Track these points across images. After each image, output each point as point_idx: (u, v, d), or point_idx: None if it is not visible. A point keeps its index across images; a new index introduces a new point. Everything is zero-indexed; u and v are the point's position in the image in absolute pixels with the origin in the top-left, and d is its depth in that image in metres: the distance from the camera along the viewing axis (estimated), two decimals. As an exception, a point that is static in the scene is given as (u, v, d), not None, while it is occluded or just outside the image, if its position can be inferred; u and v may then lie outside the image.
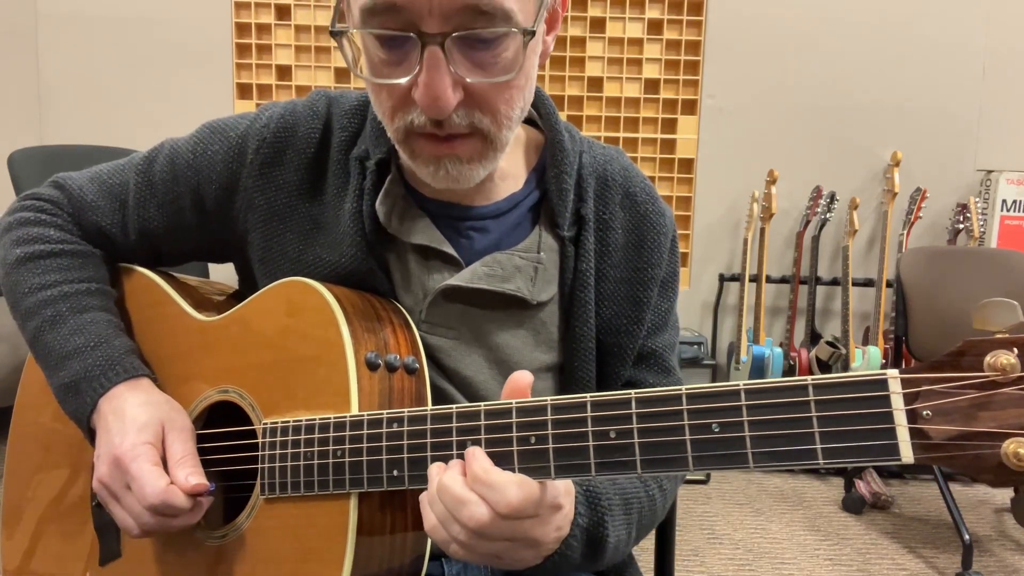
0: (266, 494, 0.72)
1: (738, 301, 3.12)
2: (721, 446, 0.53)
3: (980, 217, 3.03)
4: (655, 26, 3.17)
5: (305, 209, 0.82)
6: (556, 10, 0.75)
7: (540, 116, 0.85)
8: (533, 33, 0.65)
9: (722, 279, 3.26)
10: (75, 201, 0.88)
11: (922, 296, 2.50)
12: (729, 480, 2.87)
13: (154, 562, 0.80)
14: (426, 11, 0.62)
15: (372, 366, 0.70)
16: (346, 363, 0.70)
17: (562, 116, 0.93)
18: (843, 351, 2.90)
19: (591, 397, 0.58)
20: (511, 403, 0.61)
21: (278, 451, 0.72)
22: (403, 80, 0.66)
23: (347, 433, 0.68)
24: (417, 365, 0.74)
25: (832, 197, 3.09)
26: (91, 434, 0.79)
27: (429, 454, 0.64)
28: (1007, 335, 0.47)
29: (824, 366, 2.96)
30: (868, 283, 3.15)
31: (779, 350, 3.01)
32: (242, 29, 3.18)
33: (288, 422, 0.72)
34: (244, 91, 3.21)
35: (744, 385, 0.52)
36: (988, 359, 0.46)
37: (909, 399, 0.48)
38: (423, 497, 0.63)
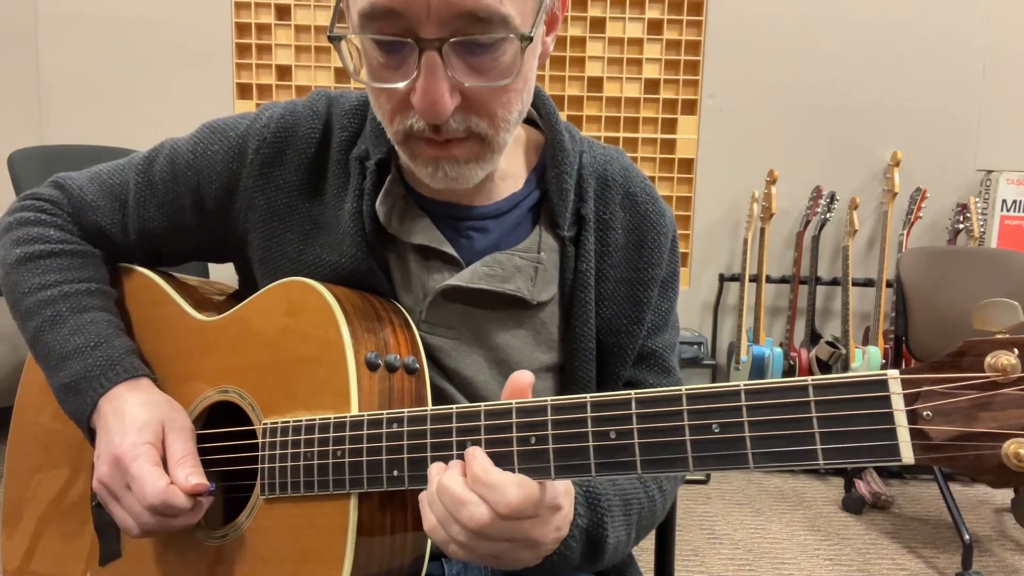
0: (266, 494, 0.72)
1: (738, 301, 3.12)
2: (721, 446, 0.53)
3: (980, 217, 3.03)
4: (655, 26, 3.17)
5: (305, 209, 0.82)
6: (555, 12, 0.75)
7: (540, 116, 0.85)
8: (530, 39, 0.65)
9: (722, 279, 3.26)
10: (75, 201, 0.88)
11: (922, 296, 2.50)
12: (729, 480, 2.87)
13: (154, 562, 0.80)
14: (424, 16, 0.62)
15: (372, 366, 0.70)
16: (346, 363, 0.70)
17: (562, 116, 0.93)
18: (843, 351, 2.90)
19: (591, 397, 0.58)
20: (511, 403, 0.61)
21: (278, 451, 0.72)
22: (401, 85, 0.66)
23: (347, 433, 0.68)
24: (417, 365, 0.74)
25: (832, 197, 3.09)
26: (91, 434, 0.79)
27: (429, 454, 0.63)
28: (1007, 335, 0.47)
29: (824, 366, 2.96)
30: (868, 283, 3.15)
31: (779, 350, 3.01)
32: (242, 29, 3.18)
33: (288, 422, 0.72)
34: (244, 91, 3.21)
35: (744, 385, 0.52)
36: (988, 359, 0.46)
37: (909, 399, 0.48)
38: (422, 497, 0.63)
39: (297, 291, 0.76)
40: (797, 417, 0.51)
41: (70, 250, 0.86)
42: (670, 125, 3.22)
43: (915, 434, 0.48)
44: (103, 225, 0.87)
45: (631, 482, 0.77)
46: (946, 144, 3.18)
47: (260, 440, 0.74)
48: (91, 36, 3.14)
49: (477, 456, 0.60)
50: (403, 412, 0.65)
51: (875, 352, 2.88)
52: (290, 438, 0.71)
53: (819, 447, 0.50)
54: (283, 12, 3.17)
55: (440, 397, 0.79)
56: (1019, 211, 3.08)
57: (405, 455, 0.65)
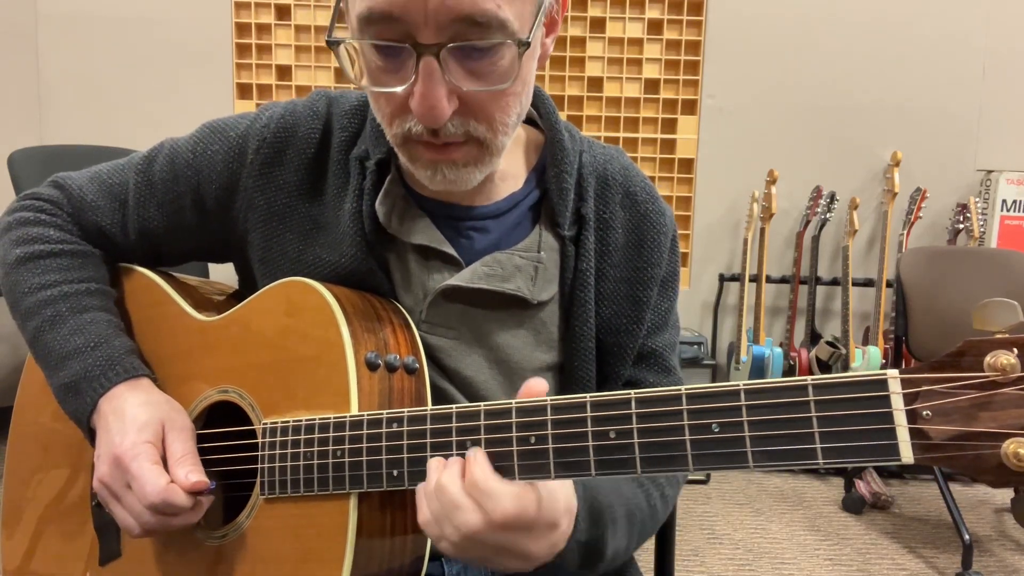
0: (266, 494, 0.72)
1: (738, 301, 3.12)
2: (721, 446, 0.53)
3: (980, 217, 3.03)
4: (655, 26, 3.17)
5: (305, 209, 0.82)
6: (554, 15, 0.74)
7: (540, 116, 0.85)
8: (528, 44, 0.65)
9: (722, 279, 3.26)
10: (75, 201, 0.88)
11: (922, 296, 2.50)
12: (729, 480, 2.87)
13: (154, 562, 0.80)
14: (421, 21, 0.62)
15: (372, 366, 0.70)
16: (346, 363, 0.70)
17: (562, 116, 0.93)
18: (843, 351, 2.90)
19: (591, 397, 0.58)
20: (511, 403, 0.61)
21: (278, 451, 0.72)
22: (399, 89, 0.66)
23: (347, 433, 0.68)
24: (417, 365, 0.74)
25: (832, 197, 3.09)
26: (91, 434, 0.79)
27: (429, 454, 0.63)
28: (1007, 335, 0.47)
29: (824, 366, 2.96)
30: (868, 283, 3.15)
31: (779, 350, 3.01)
32: (242, 29, 3.18)
33: (288, 422, 0.72)
34: (244, 91, 3.21)
35: (744, 385, 0.52)
36: (988, 359, 0.46)
37: (909, 399, 0.48)
38: (420, 489, 0.63)
39: (297, 291, 0.76)
40: (797, 417, 0.51)
41: (70, 250, 0.86)
42: (670, 125, 3.22)
43: (915, 434, 0.48)
44: (103, 225, 0.87)
45: (634, 491, 0.77)
46: (946, 144, 3.17)
47: (260, 440, 0.74)
48: (91, 36, 3.14)
49: (478, 460, 0.60)
50: (403, 412, 0.65)
51: (875, 352, 2.88)
52: (290, 438, 0.71)
53: (819, 446, 0.50)
54: (283, 12, 3.17)
55: (440, 397, 0.79)
56: (1019, 211, 3.08)
57: (405, 455, 0.65)
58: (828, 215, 3.09)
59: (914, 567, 2.25)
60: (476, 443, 0.62)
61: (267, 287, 0.79)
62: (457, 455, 0.62)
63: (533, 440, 0.59)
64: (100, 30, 3.13)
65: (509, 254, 0.79)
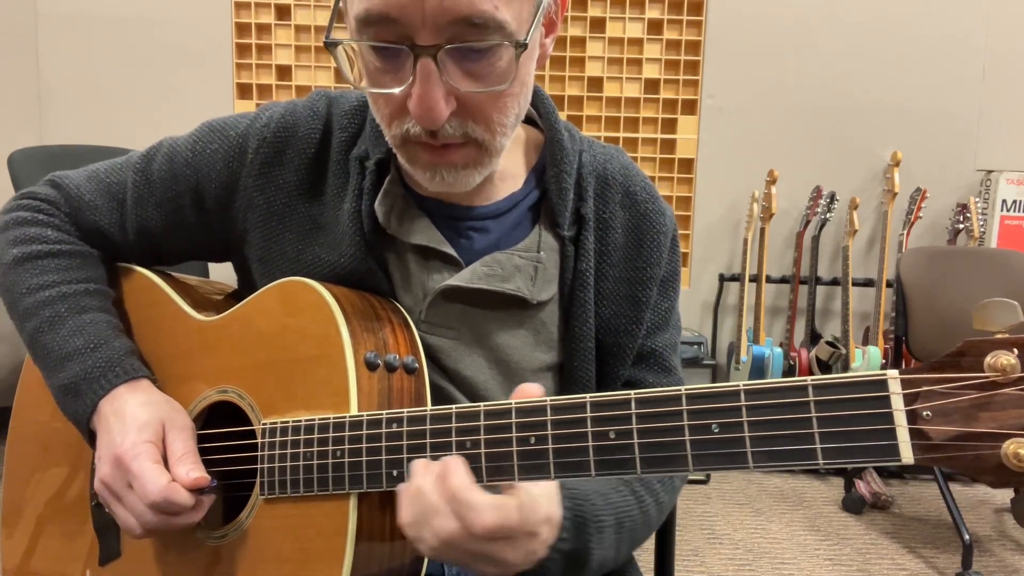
0: (265, 494, 0.72)
1: (738, 301, 3.12)
2: (721, 446, 0.53)
3: (980, 217, 3.03)
4: (655, 26, 3.17)
5: (304, 209, 0.82)
6: (553, 15, 0.74)
7: (540, 115, 0.85)
8: (525, 45, 0.65)
9: (722, 279, 3.26)
10: (72, 200, 0.88)
11: (922, 296, 2.50)
12: (729, 480, 2.87)
13: (154, 562, 0.80)
14: (419, 23, 0.62)
15: (371, 366, 0.70)
16: (345, 363, 0.69)
17: (562, 116, 0.93)
18: (843, 351, 2.90)
19: (591, 397, 0.58)
20: (510, 403, 0.61)
21: (277, 451, 0.72)
22: (397, 90, 0.66)
23: (346, 433, 0.68)
24: (416, 365, 0.74)
25: (832, 197, 3.09)
26: (90, 436, 0.79)
27: (428, 455, 0.63)
28: (1007, 335, 0.47)
29: (824, 366, 2.96)
30: (868, 283, 3.15)
31: (779, 350, 3.01)
32: (242, 29, 3.18)
33: (287, 422, 0.72)
34: (244, 91, 3.21)
35: (744, 385, 0.52)
36: (988, 359, 0.46)
37: (909, 400, 0.48)
38: (401, 488, 0.63)
39: (296, 291, 0.76)
40: (797, 417, 0.51)
41: (68, 250, 0.86)
42: (670, 125, 3.22)
43: (915, 434, 0.48)
44: (101, 224, 0.87)
45: (625, 498, 0.76)
46: (946, 144, 3.17)
47: (260, 440, 0.73)
48: (91, 36, 3.13)
49: (456, 471, 0.60)
50: (402, 412, 0.65)
51: (875, 352, 2.88)
52: (289, 438, 0.71)
53: (818, 447, 0.50)
54: (283, 12, 3.17)
55: (440, 397, 0.79)
56: (1019, 211, 3.08)
57: (405, 455, 0.65)
58: (828, 215, 3.09)
59: (914, 567, 2.25)
60: (476, 443, 0.62)
61: (266, 287, 0.79)
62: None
63: (533, 440, 0.59)
64: (100, 30, 3.13)
65: (509, 254, 0.79)
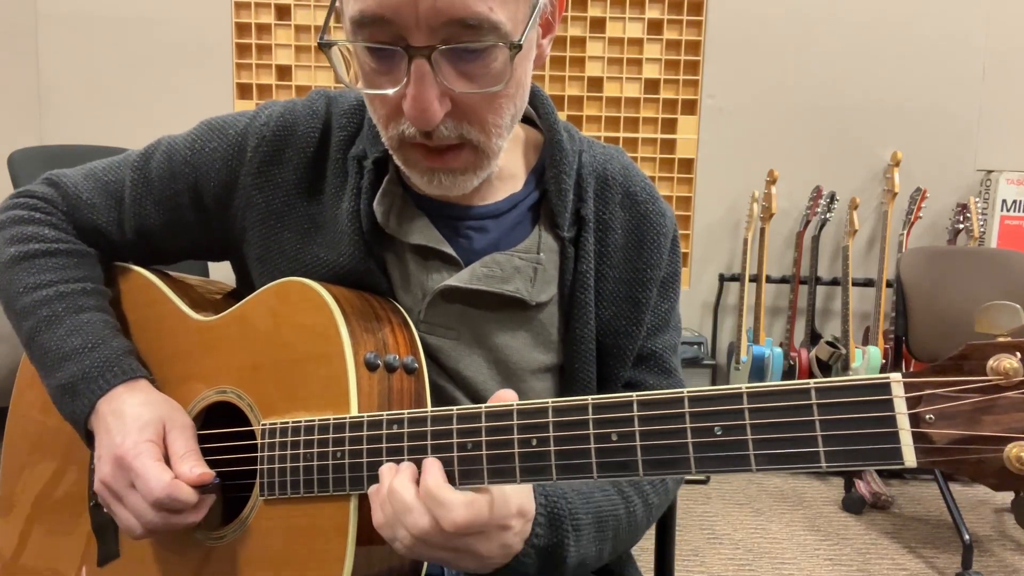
0: (265, 495, 0.72)
1: (738, 301, 3.12)
2: (723, 449, 0.53)
3: (980, 217, 3.03)
4: (655, 26, 3.16)
5: (303, 208, 0.82)
6: (549, 17, 0.74)
7: (539, 116, 0.85)
8: (520, 46, 0.65)
9: (722, 279, 3.26)
10: (70, 199, 0.87)
11: (922, 296, 2.50)
12: (729, 480, 2.87)
13: (153, 563, 0.79)
14: (413, 24, 0.62)
15: (371, 366, 0.70)
16: (345, 363, 0.69)
17: (562, 116, 0.93)
18: (843, 351, 2.90)
19: (592, 399, 0.58)
20: (512, 405, 0.61)
21: (277, 452, 0.72)
22: (391, 91, 0.66)
23: (347, 435, 0.67)
24: (416, 365, 0.74)
25: (832, 197, 3.08)
26: (88, 436, 0.78)
27: (430, 456, 0.63)
28: (1010, 339, 0.47)
29: (824, 366, 2.96)
30: (868, 283, 3.15)
31: (779, 350, 3.01)
32: (242, 29, 3.18)
33: (287, 423, 0.71)
34: (244, 91, 3.20)
35: (747, 388, 0.52)
36: (991, 363, 0.46)
37: (912, 403, 0.48)
38: (372, 492, 0.65)
39: (295, 291, 0.76)
40: (800, 420, 0.51)
41: (65, 249, 0.85)
42: (670, 125, 3.22)
43: (917, 437, 0.47)
44: (99, 223, 0.87)
45: (609, 499, 0.76)
46: (946, 144, 3.17)
47: (259, 441, 0.73)
48: (91, 36, 3.13)
49: (432, 470, 0.62)
50: (403, 413, 0.65)
51: (875, 352, 2.88)
52: (289, 439, 0.71)
53: (821, 450, 0.50)
54: (283, 12, 3.17)
55: (441, 396, 0.79)
56: (1019, 211, 3.08)
57: (406, 456, 0.64)
58: (828, 215, 3.09)
59: (914, 567, 2.25)
60: (477, 445, 0.61)
61: (265, 287, 0.79)
62: (458, 457, 0.62)
63: (534, 442, 0.59)
64: (100, 30, 3.13)
65: (508, 255, 0.79)
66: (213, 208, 0.84)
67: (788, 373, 3.05)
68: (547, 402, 0.59)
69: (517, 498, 0.63)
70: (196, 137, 0.85)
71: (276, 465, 0.71)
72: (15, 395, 0.94)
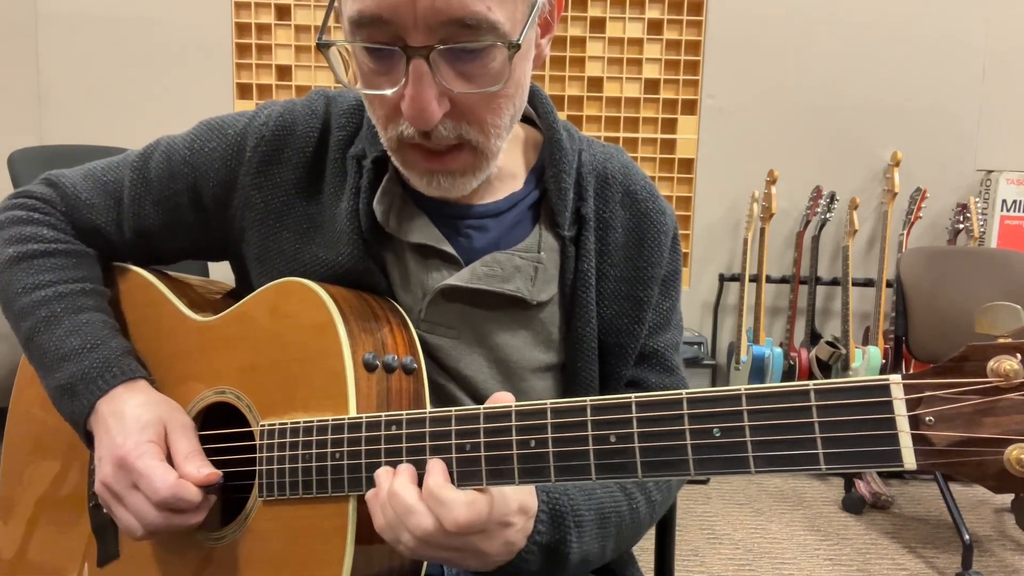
0: (264, 496, 0.72)
1: (738, 301, 3.12)
2: (722, 451, 0.53)
3: (980, 217, 3.03)
4: (655, 26, 3.16)
5: (303, 208, 0.82)
6: (548, 16, 0.74)
7: (538, 115, 0.85)
8: (519, 46, 0.65)
9: (722, 279, 3.26)
10: (69, 199, 0.87)
11: (922, 296, 2.50)
12: (729, 480, 2.87)
13: (152, 563, 0.79)
14: (411, 24, 0.62)
15: (370, 367, 0.70)
16: (343, 364, 0.69)
17: (562, 116, 0.93)
18: (843, 351, 2.90)
19: (591, 401, 0.58)
20: (510, 406, 0.61)
21: (276, 453, 0.71)
22: (390, 91, 0.66)
23: (345, 435, 0.67)
24: (415, 365, 0.74)
25: (832, 197, 3.08)
26: (87, 436, 0.78)
27: (428, 457, 0.63)
28: (1010, 340, 0.46)
29: (824, 366, 2.95)
30: (868, 283, 3.15)
31: (779, 350, 3.00)
32: (242, 29, 3.18)
33: (286, 424, 0.71)
34: (244, 91, 3.20)
35: (746, 390, 0.52)
36: (991, 364, 0.46)
37: (912, 405, 0.48)
38: (370, 497, 0.64)
39: (294, 291, 0.76)
40: (799, 422, 0.51)
41: (64, 249, 0.85)
42: (670, 125, 3.22)
43: (917, 440, 0.47)
44: (98, 223, 0.87)
45: (612, 495, 0.77)
46: (946, 144, 3.17)
47: (258, 442, 0.73)
48: (91, 36, 3.13)
49: (435, 470, 0.62)
50: (401, 415, 0.65)
51: (875, 352, 2.87)
52: (288, 440, 0.71)
53: (820, 452, 0.50)
54: (283, 12, 3.17)
55: (441, 395, 0.79)
56: (1019, 211, 3.08)
57: (404, 458, 0.64)
58: (828, 215, 3.09)
59: (914, 567, 2.25)
60: (476, 446, 0.61)
61: (264, 287, 0.79)
62: (456, 458, 0.62)
63: (533, 443, 0.59)
64: (100, 30, 3.13)
65: (509, 254, 0.79)
66: (212, 208, 0.84)
67: (788, 373, 3.05)
68: (545, 403, 0.59)
69: (518, 495, 0.64)
70: (195, 137, 0.85)
71: (275, 466, 0.71)
72: (15, 393, 0.94)
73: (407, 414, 0.65)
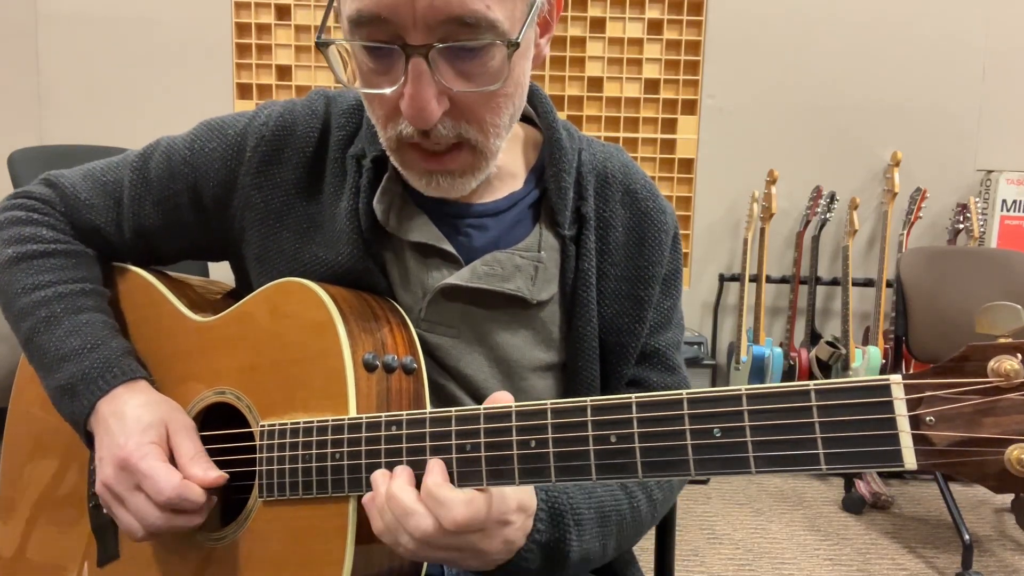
0: (264, 496, 0.72)
1: (738, 301, 3.12)
2: (723, 451, 0.52)
3: (980, 217, 3.03)
4: (655, 26, 3.16)
5: (303, 208, 0.82)
6: (547, 16, 0.74)
7: (538, 115, 0.85)
8: (518, 44, 0.65)
9: (722, 279, 3.26)
10: (68, 199, 0.87)
11: (922, 296, 2.50)
12: (729, 480, 2.87)
13: (153, 564, 0.79)
14: (410, 22, 0.62)
15: (370, 367, 0.70)
16: (343, 364, 0.69)
17: (562, 116, 0.93)
18: (843, 351, 2.90)
19: (591, 401, 0.57)
20: (510, 406, 0.61)
21: (276, 453, 0.71)
22: (389, 90, 0.66)
23: (345, 436, 0.67)
24: (415, 365, 0.74)
25: (832, 197, 3.08)
26: (87, 437, 0.78)
27: (428, 457, 0.63)
28: (1010, 340, 0.46)
29: (824, 366, 2.95)
30: (868, 283, 3.15)
31: (779, 350, 3.00)
32: (242, 29, 3.18)
33: (286, 424, 0.71)
34: (244, 91, 3.20)
35: (746, 390, 0.52)
36: (992, 364, 0.46)
37: (912, 405, 0.48)
38: (367, 501, 0.64)
39: (293, 291, 0.76)
40: (799, 422, 0.51)
41: (63, 250, 0.85)
42: (670, 125, 3.22)
43: (918, 440, 0.47)
44: (97, 223, 0.87)
45: (612, 494, 0.77)
46: (946, 144, 3.17)
47: (258, 442, 0.73)
48: (91, 36, 3.13)
49: (434, 470, 0.62)
50: (402, 415, 0.65)
51: (875, 352, 2.87)
52: (288, 440, 0.71)
53: (821, 452, 0.50)
54: (283, 12, 3.17)
55: (441, 395, 0.79)
56: (1019, 211, 3.08)
57: (404, 458, 0.64)
58: (828, 215, 3.09)
59: (914, 567, 2.25)
60: (476, 447, 0.61)
61: (263, 287, 0.79)
62: (457, 459, 0.62)
63: (533, 444, 0.59)
64: (100, 30, 3.13)
65: (509, 254, 0.79)
66: (212, 208, 0.84)
67: (788, 373, 3.05)
68: (546, 404, 0.59)
69: (517, 494, 0.64)
70: (195, 137, 0.85)
71: (275, 466, 0.71)
72: (15, 394, 0.94)
73: (407, 414, 0.65)
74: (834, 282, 3.17)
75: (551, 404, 0.59)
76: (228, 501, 0.79)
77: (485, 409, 0.62)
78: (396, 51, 0.64)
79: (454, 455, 0.62)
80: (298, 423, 0.70)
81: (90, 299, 0.83)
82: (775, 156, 3.16)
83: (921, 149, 3.15)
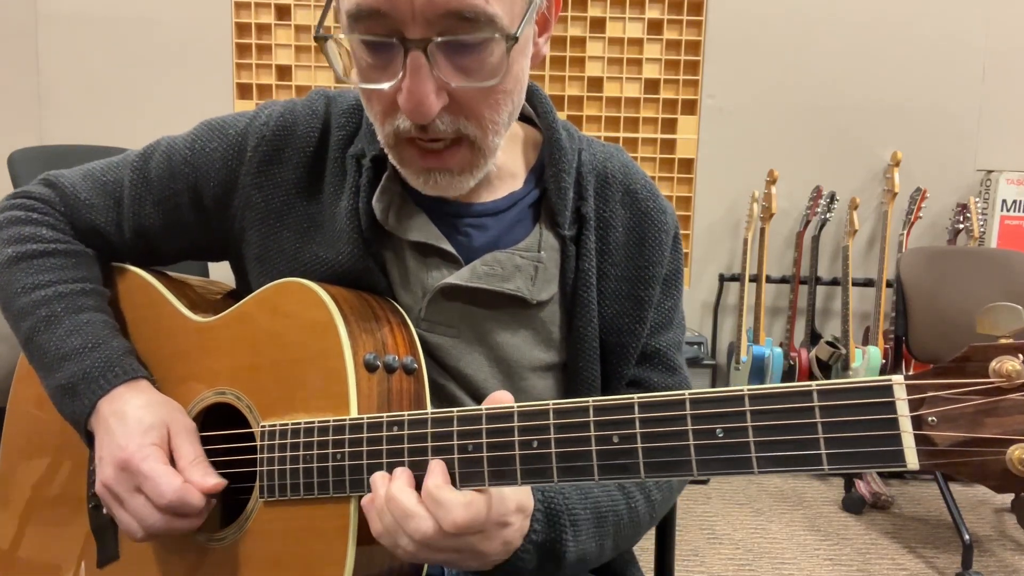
0: (265, 497, 0.72)
1: (738, 301, 3.12)
2: (725, 451, 0.53)
3: (980, 217, 3.03)
4: (655, 26, 3.16)
5: (303, 207, 0.82)
6: (546, 14, 0.74)
7: (537, 114, 0.85)
8: (516, 39, 0.65)
9: (722, 279, 3.26)
10: (68, 199, 0.87)
11: (922, 296, 2.50)
12: (729, 480, 2.87)
13: (153, 564, 0.79)
14: (409, 16, 0.62)
15: (370, 367, 0.70)
16: (344, 365, 0.69)
17: (562, 116, 0.93)
18: (843, 351, 2.90)
19: (593, 401, 0.57)
20: (512, 407, 0.60)
21: (277, 454, 0.71)
22: (387, 85, 0.66)
23: (346, 436, 0.67)
24: (416, 365, 0.74)
25: (832, 197, 3.08)
26: (88, 436, 0.78)
27: (430, 458, 0.63)
28: (1012, 341, 0.47)
29: (824, 366, 2.95)
30: (868, 283, 3.15)
31: (779, 350, 3.00)
32: (242, 29, 3.18)
33: (287, 425, 0.71)
34: (244, 91, 3.20)
35: (748, 390, 0.52)
36: (993, 365, 0.46)
37: (914, 405, 0.48)
38: (366, 503, 0.64)
39: (294, 291, 0.76)
40: (801, 423, 0.51)
41: (63, 249, 0.85)
42: (670, 125, 3.22)
43: (920, 440, 0.47)
44: (97, 223, 0.87)
45: (609, 495, 0.76)
46: (946, 144, 3.17)
47: (259, 443, 0.73)
48: (91, 36, 3.13)
49: (435, 471, 0.62)
50: (403, 415, 0.65)
51: (875, 352, 2.87)
52: (289, 441, 0.71)
53: (823, 452, 0.50)
54: (283, 12, 3.17)
55: (441, 395, 0.79)
56: (1019, 211, 3.08)
57: (406, 458, 0.64)
58: (828, 215, 3.09)
59: (914, 567, 2.25)
60: (478, 447, 0.61)
61: (264, 287, 0.79)
62: (459, 459, 0.62)
63: (536, 444, 0.59)
64: (100, 30, 3.13)
65: (509, 254, 0.79)
66: (212, 208, 0.84)
67: (788, 373, 3.05)
68: (548, 404, 0.59)
69: (516, 495, 0.64)
70: (196, 137, 0.85)
71: (276, 467, 0.71)
72: (13, 393, 0.94)
73: (409, 415, 0.65)
74: (834, 282, 3.18)
75: (553, 404, 0.59)
76: (228, 501, 0.78)
77: (487, 409, 0.62)
78: (394, 45, 0.64)
79: (456, 455, 0.62)
80: (299, 423, 0.70)
81: (90, 299, 0.83)
82: (775, 156, 3.16)
83: (921, 149, 3.15)
